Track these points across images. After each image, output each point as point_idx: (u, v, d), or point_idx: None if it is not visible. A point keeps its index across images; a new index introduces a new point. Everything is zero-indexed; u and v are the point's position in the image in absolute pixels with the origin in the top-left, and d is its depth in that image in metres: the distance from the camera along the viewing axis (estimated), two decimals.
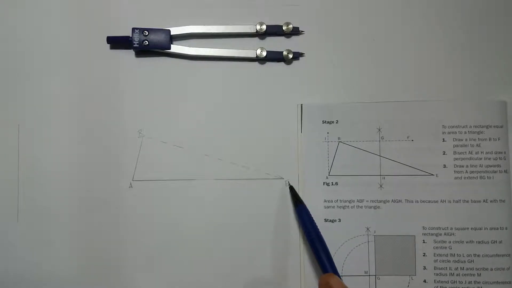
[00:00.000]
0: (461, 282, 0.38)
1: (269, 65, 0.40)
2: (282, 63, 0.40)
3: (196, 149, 0.39)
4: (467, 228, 0.38)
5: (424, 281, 0.38)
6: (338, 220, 0.39)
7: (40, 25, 0.40)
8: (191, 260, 0.39)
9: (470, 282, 0.38)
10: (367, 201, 0.39)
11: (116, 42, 0.40)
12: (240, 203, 0.39)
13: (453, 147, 0.39)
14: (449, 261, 0.38)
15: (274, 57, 0.40)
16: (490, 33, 0.40)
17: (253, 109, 0.40)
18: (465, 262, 0.38)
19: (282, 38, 0.40)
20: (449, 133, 0.39)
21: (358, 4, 0.40)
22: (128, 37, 0.39)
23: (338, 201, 0.39)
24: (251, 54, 0.39)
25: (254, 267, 0.39)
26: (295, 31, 0.40)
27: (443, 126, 0.39)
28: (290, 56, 0.39)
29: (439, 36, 0.40)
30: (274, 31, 0.40)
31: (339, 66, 0.40)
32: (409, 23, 0.40)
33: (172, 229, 0.39)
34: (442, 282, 0.38)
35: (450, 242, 0.38)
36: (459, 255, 0.38)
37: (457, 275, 0.38)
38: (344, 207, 0.39)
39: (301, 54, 0.40)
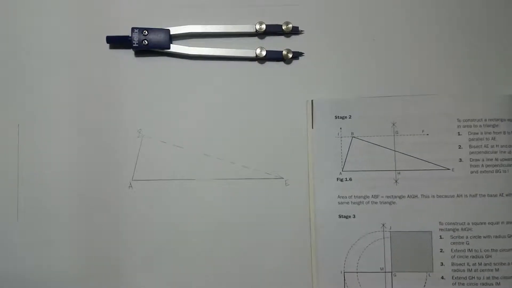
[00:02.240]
0: (479, 278, 0.37)
1: (269, 64, 0.40)
2: (282, 63, 0.40)
3: (196, 149, 0.39)
4: (484, 223, 0.37)
5: (442, 277, 0.37)
6: (353, 216, 0.38)
7: (40, 25, 0.40)
8: (191, 260, 0.39)
9: (488, 278, 0.37)
10: (382, 196, 0.38)
11: (116, 42, 0.40)
12: (240, 203, 0.39)
13: (469, 140, 0.38)
14: (466, 257, 0.37)
15: (274, 56, 0.39)
16: (507, 25, 0.39)
17: (253, 108, 0.40)
18: (482, 257, 0.37)
19: (282, 37, 0.40)
20: (464, 126, 0.38)
21: (358, 3, 0.40)
22: (128, 36, 0.39)
23: (353, 197, 0.38)
24: (250, 53, 0.39)
25: (254, 267, 0.38)
26: (295, 31, 0.40)
27: (458, 120, 0.38)
28: (290, 55, 0.39)
29: (455, 29, 0.39)
30: (273, 30, 0.40)
31: (339, 65, 0.40)
32: (418, 18, 0.40)
33: (172, 229, 0.39)
34: (460, 278, 0.37)
35: (467, 237, 0.37)
36: (476, 251, 0.37)
37: (475, 270, 0.37)
38: (358, 203, 0.38)
39: (300, 54, 0.40)
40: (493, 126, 0.38)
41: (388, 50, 0.40)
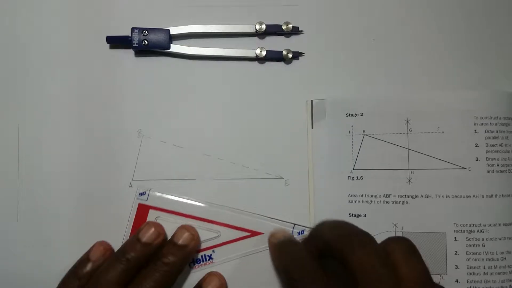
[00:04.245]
0: (494, 282, 0.36)
1: (269, 64, 0.40)
2: (282, 63, 0.40)
3: (196, 149, 0.39)
4: (500, 224, 0.36)
5: (456, 281, 0.36)
6: (364, 215, 0.38)
7: (40, 25, 0.40)
8: None
9: (503, 281, 0.36)
10: (394, 196, 0.37)
11: (116, 42, 0.40)
12: (240, 203, 0.39)
13: (485, 139, 0.37)
14: (482, 260, 0.36)
15: (274, 56, 0.39)
16: None
17: (253, 108, 0.40)
18: (498, 260, 0.36)
19: (282, 37, 0.40)
20: (481, 124, 0.37)
21: (358, 4, 0.40)
22: (128, 36, 0.39)
23: (364, 195, 0.38)
24: (250, 53, 0.39)
25: (255, 267, 0.38)
26: (295, 31, 0.40)
27: (475, 117, 0.37)
28: (290, 55, 0.39)
29: (465, 24, 0.39)
30: (273, 30, 0.40)
31: (339, 65, 0.40)
32: (420, 16, 0.40)
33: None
34: (475, 282, 0.36)
35: (483, 239, 0.36)
36: (492, 253, 0.36)
37: (491, 274, 0.36)
38: (369, 202, 0.37)
39: (300, 54, 0.40)
40: (506, 125, 0.37)
41: (388, 50, 0.40)
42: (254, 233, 0.38)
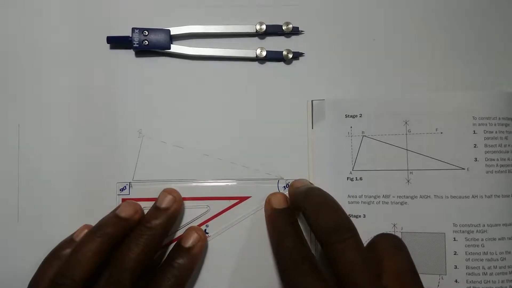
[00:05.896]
0: (494, 282, 0.36)
1: (269, 65, 0.40)
2: (282, 63, 0.40)
3: (196, 149, 0.39)
4: (499, 225, 0.36)
5: (456, 281, 0.36)
6: (363, 216, 0.38)
7: (40, 25, 0.40)
8: None
9: (503, 281, 0.36)
10: (393, 196, 0.37)
11: (116, 42, 0.40)
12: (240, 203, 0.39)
13: (484, 139, 0.37)
14: (481, 260, 0.36)
15: (274, 57, 0.39)
16: None
17: (253, 109, 0.40)
18: (497, 260, 0.36)
19: (282, 38, 0.40)
20: (480, 124, 0.37)
21: (358, 4, 0.40)
22: (128, 37, 0.39)
23: (363, 196, 0.38)
24: (251, 54, 0.39)
25: (254, 267, 0.38)
26: (295, 31, 0.40)
27: (474, 118, 0.37)
28: (290, 56, 0.39)
29: (464, 25, 0.40)
30: (274, 31, 0.40)
31: (339, 65, 0.40)
32: (421, 15, 0.40)
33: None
34: (474, 282, 0.36)
35: (482, 239, 0.36)
36: (491, 253, 0.36)
37: (490, 274, 0.36)
38: (369, 203, 0.38)
39: (301, 54, 0.40)
40: (506, 125, 0.37)
41: (388, 50, 0.40)
42: (242, 199, 0.39)
